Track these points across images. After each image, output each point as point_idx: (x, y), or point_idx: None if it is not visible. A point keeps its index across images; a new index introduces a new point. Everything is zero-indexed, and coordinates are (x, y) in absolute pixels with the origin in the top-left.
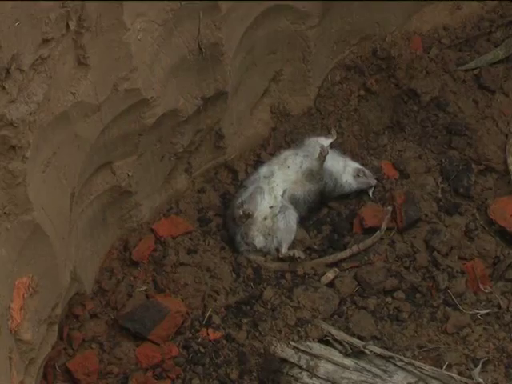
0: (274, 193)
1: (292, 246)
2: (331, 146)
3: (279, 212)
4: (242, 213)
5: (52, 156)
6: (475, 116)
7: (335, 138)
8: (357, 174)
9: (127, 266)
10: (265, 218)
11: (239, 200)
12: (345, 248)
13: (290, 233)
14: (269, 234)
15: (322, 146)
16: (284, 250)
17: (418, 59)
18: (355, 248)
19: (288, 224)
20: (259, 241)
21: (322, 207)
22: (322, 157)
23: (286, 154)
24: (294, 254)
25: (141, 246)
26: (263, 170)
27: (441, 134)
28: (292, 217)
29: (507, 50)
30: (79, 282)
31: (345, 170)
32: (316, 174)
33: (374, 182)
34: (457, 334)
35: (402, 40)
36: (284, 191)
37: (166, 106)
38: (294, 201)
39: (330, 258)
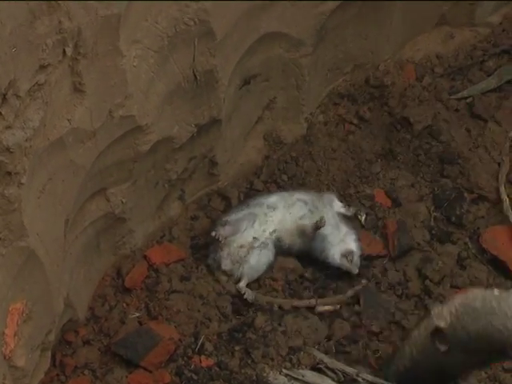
0: (266, 226)
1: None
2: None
3: (257, 247)
4: (213, 234)
5: (47, 182)
6: (468, 145)
7: (350, 214)
8: (345, 255)
9: (120, 292)
10: (241, 246)
11: (226, 218)
12: (337, 278)
13: (256, 271)
14: (237, 262)
15: (322, 218)
16: (242, 284)
17: (411, 88)
18: (313, 301)
19: (259, 262)
20: (226, 263)
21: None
22: (316, 228)
23: (299, 197)
24: (244, 293)
25: (134, 273)
26: (271, 199)
27: (433, 163)
28: (265, 258)
29: (500, 79)
30: (72, 308)
31: (338, 244)
32: (308, 235)
33: (355, 271)
34: None
35: (394, 68)
36: (274, 231)
37: (161, 132)
38: (278, 243)
39: (290, 302)
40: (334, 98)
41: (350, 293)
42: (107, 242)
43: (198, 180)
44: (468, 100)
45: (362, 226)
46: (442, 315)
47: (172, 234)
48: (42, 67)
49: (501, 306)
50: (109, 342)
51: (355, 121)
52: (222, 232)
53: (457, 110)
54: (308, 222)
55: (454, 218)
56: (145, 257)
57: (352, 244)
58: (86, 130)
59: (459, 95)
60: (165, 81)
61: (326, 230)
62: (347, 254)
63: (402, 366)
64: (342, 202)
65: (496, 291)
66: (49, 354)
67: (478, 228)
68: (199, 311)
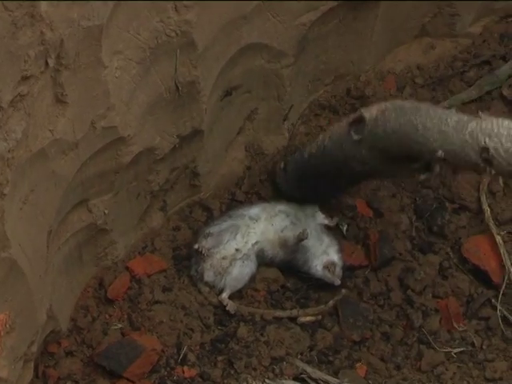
0: (248, 238)
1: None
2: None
3: (240, 258)
4: (196, 246)
5: (29, 193)
6: None
7: (332, 225)
8: (327, 267)
9: (102, 303)
10: (223, 258)
11: (208, 230)
12: (319, 289)
13: (238, 282)
14: (220, 273)
15: (304, 230)
16: (224, 296)
17: (392, 98)
18: (294, 312)
19: (241, 274)
20: (208, 275)
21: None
22: (299, 240)
23: (281, 208)
24: (226, 305)
25: (116, 284)
26: (254, 210)
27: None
28: (248, 269)
29: (480, 90)
30: (55, 319)
31: (321, 256)
32: (290, 246)
33: (337, 282)
34: (431, 372)
35: (375, 79)
36: (256, 242)
37: (143, 144)
38: (260, 255)
39: (272, 313)
40: (316, 108)
41: (331, 303)
42: (89, 253)
43: (180, 191)
44: None
45: (344, 237)
46: (371, 109)
47: (154, 245)
48: (25, 78)
49: (428, 109)
50: (91, 353)
51: None
52: (204, 244)
53: None
54: (290, 234)
55: (435, 228)
56: (127, 268)
57: (334, 255)
58: (69, 141)
59: (440, 106)
60: (147, 92)
61: (309, 241)
62: (329, 266)
63: (307, 152)
64: (324, 213)
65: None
66: (32, 365)
67: (460, 238)
68: (182, 322)
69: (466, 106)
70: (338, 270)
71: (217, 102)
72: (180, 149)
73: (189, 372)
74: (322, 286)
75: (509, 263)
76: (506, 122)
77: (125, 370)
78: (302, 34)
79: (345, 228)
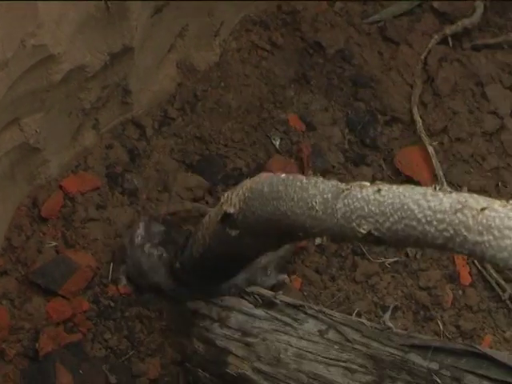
0: None
1: None
2: None
3: None
4: None
5: None
6: (380, 68)
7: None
8: None
9: (36, 222)
10: None
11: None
12: None
13: None
14: None
15: None
16: None
17: (323, 13)
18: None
19: None
20: None
21: None
22: None
23: None
24: None
25: (50, 203)
26: None
27: (346, 86)
28: None
29: (411, 3)
30: None
31: None
32: None
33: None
34: (365, 282)
35: None
36: None
37: (73, 61)
38: None
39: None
40: (247, 24)
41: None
42: (22, 173)
43: (112, 109)
44: (380, 24)
45: (277, 151)
46: (231, 201)
47: (87, 163)
48: None
49: (287, 191)
50: (26, 272)
51: (268, 47)
52: None
53: (369, 34)
54: None
55: (368, 141)
56: (60, 186)
57: None
58: None
59: (371, 19)
60: (76, 10)
61: None
62: None
63: (196, 252)
64: None
65: (283, 174)
66: None
67: (392, 149)
68: (116, 239)
69: (397, 20)
70: None
71: (147, 19)
72: (111, 66)
73: (123, 289)
74: None
75: (441, 173)
76: (372, 196)
77: (60, 287)
78: None
79: (277, 142)
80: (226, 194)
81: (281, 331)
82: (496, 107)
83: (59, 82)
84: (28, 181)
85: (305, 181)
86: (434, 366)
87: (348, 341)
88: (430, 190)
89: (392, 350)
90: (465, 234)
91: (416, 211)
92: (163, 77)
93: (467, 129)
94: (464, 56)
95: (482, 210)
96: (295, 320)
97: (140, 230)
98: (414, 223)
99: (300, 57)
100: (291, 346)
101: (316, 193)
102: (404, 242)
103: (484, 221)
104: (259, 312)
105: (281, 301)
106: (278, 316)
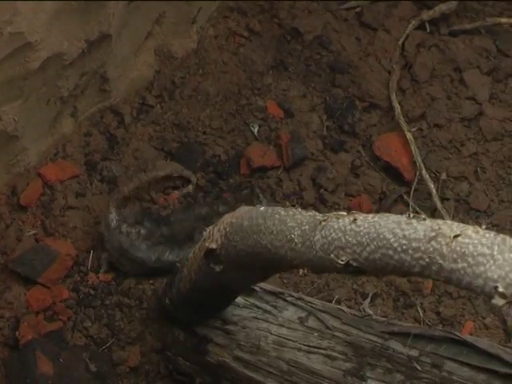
0: None
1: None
2: None
3: None
4: None
5: None
6: (358, 54)
7: None
8: None
9: (15, 210)
10: None
11: None
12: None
13: None
14: None
15: None
16: None
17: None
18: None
19: None
20: None
21: None
22: None
23: None
24: None
25: (28, 191)
26: None
27: (324, 73)
28: None
29: None
30: None
31: None
32: None
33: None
34: None
35: None
36: None
37: (51, 49)
38: None
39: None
40: (224, 11)
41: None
42: (1, 161)
43: (90, 96)
44: (357, 9)
45: (255, 138)
46: (213, 236)
47: (66, 151)
48: None
49: (266, 224)
50: (6, 260)
51: (245, 33)
52: None
53: (346, 20)
54: None
55: (346, 127)
56: (39, 174)
57: None
58: None
59: (348, 5)
60: None
61: None
62: None
63: (183, 288)
64: None
65: (262, 208)
66: None
67: (371, 136)
68: (95, 227)
69: (374, 5)
70: None
71: (124, 6)
72: (88, 54)
73: (103, 277)
74: None
75: (419, 159)
76: (349, 226)
77: (40, 275)
78: None
79: (256, 129)
80: (208, 230)
81: (260, 319)
82: (474, 93)
83: (37, 69)
84: (6, 169)
85: (283, 213)
86: (414, 352)
87: (328, 328)
88: (404, 218)
89: (372, 337)
90: (440, 262)
91: (391, 240)
92: (141, 64)
93: (446, 115)
94: (442, 41)
95: (456, 237)
96: (275, 307)
97: (113, 214)
98: (391, 252)
99: (278, 43)
100: (271, 333)
101: (294, 225)
102: (383, 270)
103: (458, 248)
104: (239, 299)
105: (260, 288)
106: (258, 303)
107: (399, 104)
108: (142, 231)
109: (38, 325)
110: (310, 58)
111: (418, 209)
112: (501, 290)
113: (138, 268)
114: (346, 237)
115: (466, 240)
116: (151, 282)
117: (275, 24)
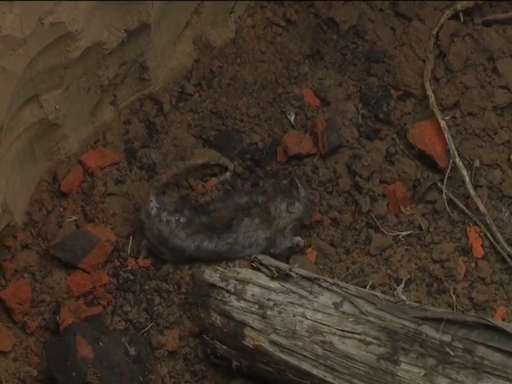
0: None
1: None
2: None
3: None
4: None
5: None
6: (393, 43)
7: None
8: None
9: (56, 197)
10: None
11: None
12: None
13: None
14: None
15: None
16: None
17: None
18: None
19: None
20: None
21: None
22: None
23: None
24: None
25: (69, 178)
26: None
27: (360, 62)
28: None
29: None
30: (10, 213)
31: None
32: None
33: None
34: (380, 255)
35: None
36: None
37: (91, 38)
38: None
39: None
40: (261, 1)
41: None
42: (42, 148)
43: (130, 85)
44: (392, 0)
45: (292, 126)
46: None
47: (106, 139)
48: None
49: None
50: (47, 246)
51: (282, 23)
52: None
53: (381, 10)
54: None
55: (381, 115)
56: (80, 162)
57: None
58: (16, 38)
59: None
60: None
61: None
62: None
63: None
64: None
65: None
66: None
67: (405, 124)
68: (134, 213)
69: None
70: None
71: None
72: (128, 43)
73: (142, 262)
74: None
75: (453, 147)
76: None
77: (80, 261)
78: None
79: (292, 117)
80: None
81: (296, 304)
82: (507, 82)
83: (77, 58)
84: (48, 156)
85: None
86: (447, 338)
87: (362, 313)
88: None
89: (405, 323)
90: None
91: None
92: (180, 53)
93: (479, 103)
94: (475, 31)
95: None
96: (310, 293)
97: (153, 203)
98: None
99: (314, 33)
100: (307, 318)
101: None
102: None
103: None
104: (275, 285)
105: (296, 273)
106: (294, 289)
107: (433, 93)
108: (182, 219)
109: (79, 309)
110: (346, 47)
111: (451, 196)
112: None
113: (177, 256)
114: None
115: None
116: (189, 267)
117: (311, 14)
